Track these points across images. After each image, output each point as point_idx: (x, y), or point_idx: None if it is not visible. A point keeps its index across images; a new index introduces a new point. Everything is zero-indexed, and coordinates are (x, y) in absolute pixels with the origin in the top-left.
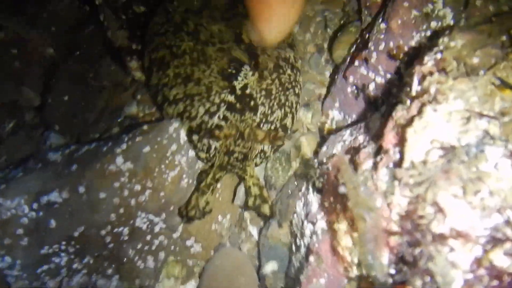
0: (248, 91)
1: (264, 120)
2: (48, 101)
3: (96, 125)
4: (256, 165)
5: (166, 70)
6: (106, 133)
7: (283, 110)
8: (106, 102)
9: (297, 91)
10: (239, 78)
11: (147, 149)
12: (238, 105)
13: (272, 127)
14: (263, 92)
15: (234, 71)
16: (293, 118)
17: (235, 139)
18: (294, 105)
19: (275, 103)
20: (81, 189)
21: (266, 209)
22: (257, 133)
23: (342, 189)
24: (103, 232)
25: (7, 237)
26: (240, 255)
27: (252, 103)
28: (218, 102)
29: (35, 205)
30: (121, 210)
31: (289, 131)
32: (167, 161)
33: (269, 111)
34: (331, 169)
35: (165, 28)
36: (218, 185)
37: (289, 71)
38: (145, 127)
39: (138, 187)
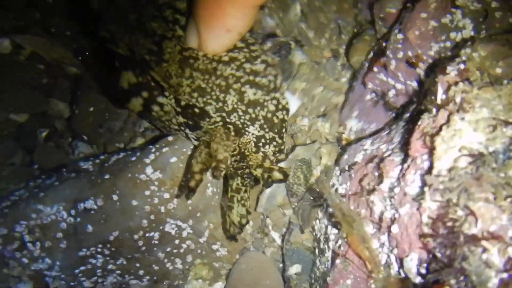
0: (182, 103)
1: (224, 116)
2: (76, 112)
3: (120, 134)
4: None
5: None
6: (130, 143)
7: (229, 99)
8: (128, 112)
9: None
10: (166, 94)
11: (173, 159)
12: (190, 122)
13: (240, 115)
14: (195, 94)
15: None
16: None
17: (215, 151)
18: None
19: (219, 94)
20: (115, 197)
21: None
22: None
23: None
24: (135, 237)
25: (47, 240)
26: (265, 259)
27: (196, 110)
28: (177, 128)
29: (72, 212)
30: (152, 217)
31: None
32: None
33: (220, 104)
34: None
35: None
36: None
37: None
38: (170, 138)
39: (167, 195)
